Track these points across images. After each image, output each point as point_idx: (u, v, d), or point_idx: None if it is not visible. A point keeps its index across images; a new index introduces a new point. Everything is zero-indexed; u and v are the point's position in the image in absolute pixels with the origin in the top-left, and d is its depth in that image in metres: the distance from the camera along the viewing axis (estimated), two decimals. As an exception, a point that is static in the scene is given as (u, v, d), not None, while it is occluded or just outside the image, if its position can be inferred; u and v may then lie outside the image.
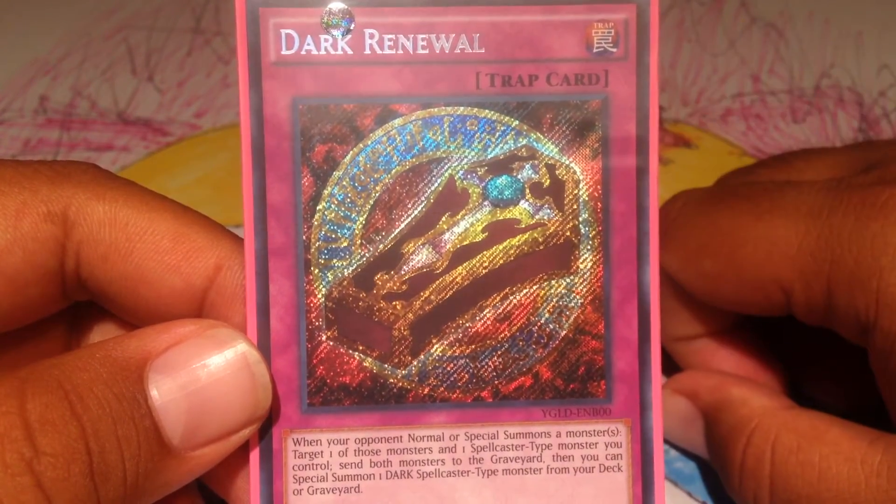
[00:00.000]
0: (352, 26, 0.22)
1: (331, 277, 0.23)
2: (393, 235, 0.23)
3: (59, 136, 0.43)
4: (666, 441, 0.30)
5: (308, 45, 0.22)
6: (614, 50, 0.22)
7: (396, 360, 0.23)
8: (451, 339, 0.23)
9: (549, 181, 0.23)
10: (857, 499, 0.24)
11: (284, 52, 0.22)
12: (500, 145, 0.23)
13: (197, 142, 0.43)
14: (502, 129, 0.23)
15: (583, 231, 0.23)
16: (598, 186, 0.23)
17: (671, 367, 0.32)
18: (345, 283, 0.23)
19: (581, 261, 0.23)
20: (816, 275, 0.25)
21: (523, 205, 0.23)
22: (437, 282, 0.23)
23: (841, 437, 0.24)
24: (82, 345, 0.25)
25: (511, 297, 0.23)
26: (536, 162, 0.23)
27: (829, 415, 0.26)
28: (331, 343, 0.23)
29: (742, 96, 0.46)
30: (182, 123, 0.44)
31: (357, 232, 0.23)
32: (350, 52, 0.22)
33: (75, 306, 0.24)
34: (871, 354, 0.25)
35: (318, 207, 0.23)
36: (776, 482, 0.25)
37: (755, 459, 0.26)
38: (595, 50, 0.22)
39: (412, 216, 0.23)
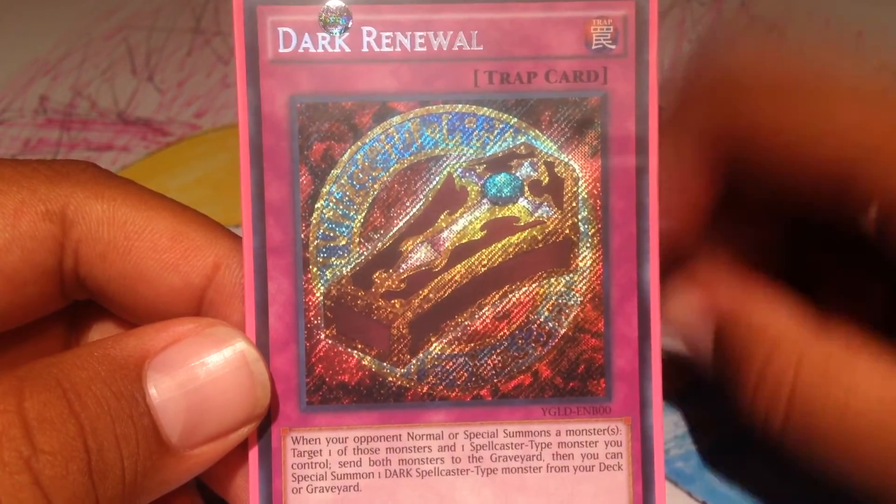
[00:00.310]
0: (349, 24, 0.22)
1: (329, 276, 0.23)
2: (391, 233, 0.23)
3: (59, 136, 0.43)
4: (665, 443, 0.30)
5: (306, 42, 0.22)
6: (613, 47, 0.22)
7: (395, 359, 0.23)
8: (450, 337, 0.23)
9: (547, 179, 0.23)
10: (887, 415, 0.23)
11: (282, 50, 0.22)
12: (499, 143, 0.23)
13: (197, 142, 0.43)
14: (501, 126, 0.23)
15: (582, 229, 0.23)
16: (598, 184, 0.23)
17: (672, 366, 0.32)
18: (343, 281, 0.23)
19: (580, 259, 0.23)
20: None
21: (522, 202, 0.23)
22: (436, 280, 0.23)
23: (873, 368, 0.23)
24: (81, 343, 0.25)
25: (510, 296, 0.23)
26: (535, 159, 0.23)
27: (858, 335, 0.25)
28: (329, 341, 0.23)
29: (742, 95, 0.46)
30: (182, 123, 0.44)
31: (355, 230, 0.23)
32: (348, 49, 0.22)
33: (74, 305, 0.24)
34: None
35: (316, 206, 0.23)
36: (795, 400, 0.24)
37: (774, 379, 0.25)
38: (594, 47, 0.22)
39: (411, 214, 0.23)
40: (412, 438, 0.23)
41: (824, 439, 0.24)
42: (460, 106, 0.23)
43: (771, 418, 0.25)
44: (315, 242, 0.23)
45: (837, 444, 0.24)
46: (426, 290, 0.23)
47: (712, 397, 0.28)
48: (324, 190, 0.23)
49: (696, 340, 0.28)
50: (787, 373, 0.25)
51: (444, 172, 0.23)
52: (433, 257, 0.23)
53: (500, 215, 0.23)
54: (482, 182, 0.23)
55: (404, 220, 0.23)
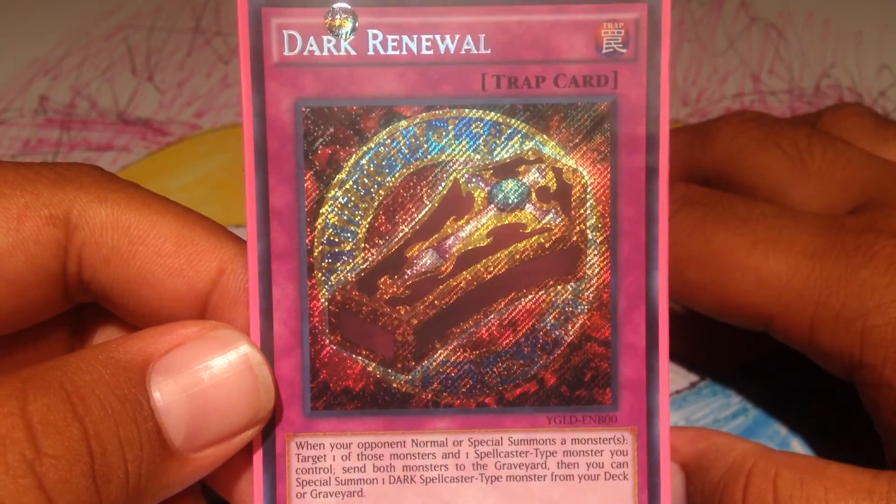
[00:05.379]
0: (355, 27, 0.22)
1: (334, 281, 0.23)
2: (397, 239, 0.23)
3: (59, 136, 0.43)
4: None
5: (311, 45, 0.22)
6: (624, 51, 0.22)
7: (400, 365, 0.23)
8: (456, 344, 0.23)
9: (555, 185, 0.23)
10: None
11: (287, 52, 0.22)
12: (507, 148, 0.23)
13: (197, 142, 0.43)
14: (508, 131, 0.22)
15: (590, 236, 0.23)
16: (606, 191, 0.23)
17: (677, 374, 0.32)
18: (348, 287, 0.23)
19: (588, 266, 0.23)
20: (800, 313, 0.26)
21: (529, 209, 0.23)
22: (442, 286, 0.23)
23: (842, 472, 0.24)
24: (85, 346, 0.25)
25: (516, 303, 0.23)
26: (543, 165, 0.23)
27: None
28: (334, 347, 0.23)
29: (742, 96, 0.46)
30: (182, 123, 0.44)
31: (361, 235, 0.23)
32: (353, 53, 0.22)
33: (78, 308, 0.24)
34: (860, 389, 0.26)
35: (321, 211, 0.22)
36: None
37: (757, 498, 0.25)
38: (604, 51, 0.22)
39: (416, 220, 0.23)
40: (416, 445, 0.23)
41: None
42: (467, 110, 0.22)
43: None
44: (320, 248, 0.23)
45: None
46: (431, 297, 0.23)
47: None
48: (329, 195, 0.22)
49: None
50: (768, 491, 0.24)
51: (451, 178, 0.23)
52: (439, 263, 0.23)
53: (506, 222, 0.23)
54: (489, 188, 0.23)
55: (410, 225, 0.23)
